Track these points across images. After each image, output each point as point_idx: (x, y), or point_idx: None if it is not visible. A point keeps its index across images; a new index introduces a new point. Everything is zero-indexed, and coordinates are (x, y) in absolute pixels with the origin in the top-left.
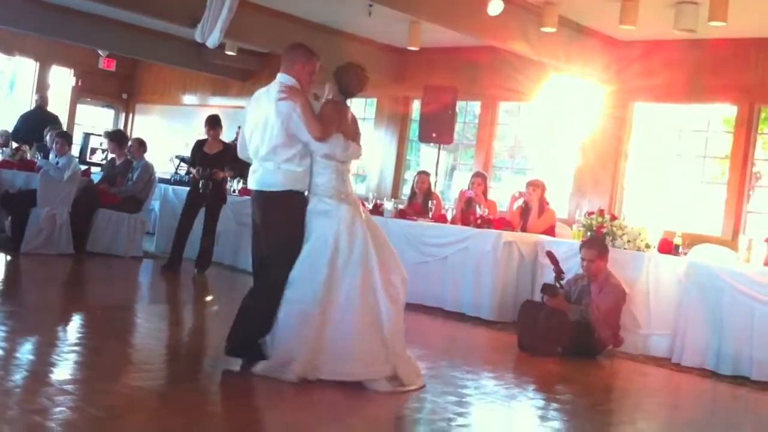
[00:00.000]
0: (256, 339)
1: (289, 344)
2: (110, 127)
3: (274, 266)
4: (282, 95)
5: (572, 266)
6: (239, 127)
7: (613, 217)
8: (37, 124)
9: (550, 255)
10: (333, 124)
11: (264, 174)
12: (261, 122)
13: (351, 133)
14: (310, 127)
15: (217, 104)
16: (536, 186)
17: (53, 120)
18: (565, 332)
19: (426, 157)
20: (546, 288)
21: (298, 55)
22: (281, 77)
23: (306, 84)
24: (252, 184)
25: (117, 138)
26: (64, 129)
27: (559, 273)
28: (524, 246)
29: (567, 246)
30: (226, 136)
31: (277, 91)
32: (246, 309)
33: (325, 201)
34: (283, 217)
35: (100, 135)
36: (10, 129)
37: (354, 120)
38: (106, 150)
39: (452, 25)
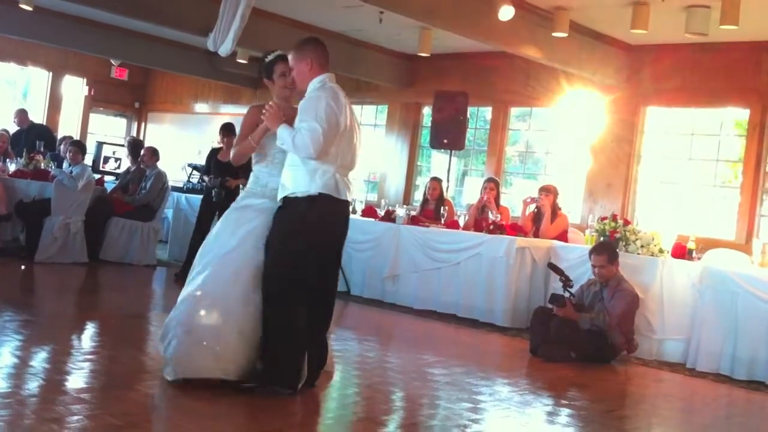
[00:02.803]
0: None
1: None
2: (123, 136)
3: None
4: None
5: (585, 271)
6: None
7: (626, 222)
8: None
9: (552, 266)
10: None
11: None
12: (355, 132)
13: None
14: None
15: (229, 112)
16: (548, 191)
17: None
18: (577, 340)
19: (437, 163)
20: (554, 298)
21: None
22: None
23: None
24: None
25: (132, 146)
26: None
27: (566, 281)
28: (537, 252)
29: (578, 251)
30: None
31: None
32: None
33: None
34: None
35: (113, 144)
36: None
37: None
38: (119, 159)
39: (463, 30)
